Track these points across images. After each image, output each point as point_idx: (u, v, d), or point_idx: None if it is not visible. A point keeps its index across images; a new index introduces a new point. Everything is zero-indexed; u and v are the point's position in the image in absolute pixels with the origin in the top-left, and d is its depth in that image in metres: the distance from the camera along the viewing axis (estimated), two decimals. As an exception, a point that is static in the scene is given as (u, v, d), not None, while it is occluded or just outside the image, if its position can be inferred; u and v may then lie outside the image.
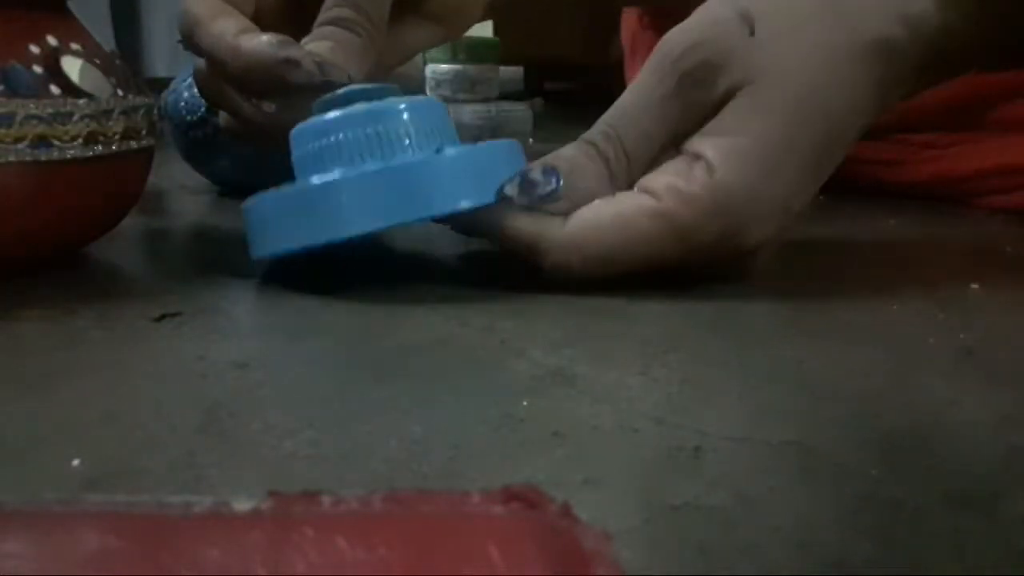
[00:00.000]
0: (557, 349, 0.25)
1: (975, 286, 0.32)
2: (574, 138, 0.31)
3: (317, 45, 0.32)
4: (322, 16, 0.34)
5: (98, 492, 0.17)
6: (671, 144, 0.31)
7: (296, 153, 0.31)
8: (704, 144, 0.29)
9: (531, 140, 0.75)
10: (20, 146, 0.29)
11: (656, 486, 0.18)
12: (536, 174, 0.30)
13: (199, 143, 0.52)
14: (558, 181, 0.30)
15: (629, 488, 0.18)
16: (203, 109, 0.51)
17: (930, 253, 0.40)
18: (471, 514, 0.14)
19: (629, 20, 0.69)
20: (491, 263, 0.35)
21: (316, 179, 0.29)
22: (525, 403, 0.22)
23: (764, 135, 0.29)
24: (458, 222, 0.32)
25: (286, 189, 0.30)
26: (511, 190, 0.30)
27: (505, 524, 0.14)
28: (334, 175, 0.29)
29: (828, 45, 0.29)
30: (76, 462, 0.18)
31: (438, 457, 0.19)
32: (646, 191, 0.29)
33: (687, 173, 0.29)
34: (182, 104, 0.52)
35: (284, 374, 0.24)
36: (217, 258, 0.37)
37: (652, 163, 0.31)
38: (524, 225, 0.30)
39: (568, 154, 0.31)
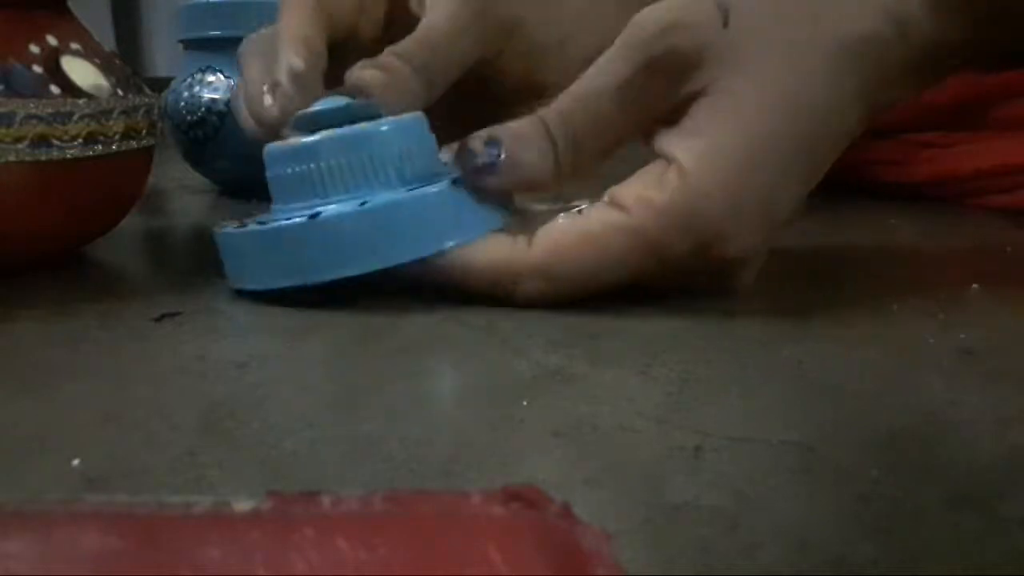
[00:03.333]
0: (557, 349, 0.25)
1: (975, 286, 0.32)
2: None
3: (367, 73, 0.31)
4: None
5: (98, 492, 0.17)
6: (632, 134, 0.29)
7: (271, 173, 0.30)
8: (675, 145, 0.27)
9: None
10: (20, 146, 0.29)
11: (656, 486, 0.18)
12: (476, 143, 0.28)
13: (199, 143, 0.52)
14: (498, 154, 0.28)
15: (629, 488, 0.18)
16: (203, 109, 0.51)
17: (930, 253, 0.40)
18: (471, 514, 0.14)
19: None
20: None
21: (296, 216, 0.28)
22: (525, 403, 0.22)
23: (742, 133, 0.27)
24: (410, 272, 0.29)
25: (264, 227, 0.29)
26: (447, 158, 0.29)
27: (505, 524, 0.14)
28: (311, 210, 0.28)
29: (808, 41, 0.27)
30: (76, 462, 0.18)
31: (438, 457, 0.19)
32: (615, 204, 0.27)
33: (658, 181, 0.27)
34: (182, 104, 0.52)
35: (284, 374, 0.24)
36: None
37: (609, 151, 0.29)
38: (487, 259, 0.28)
39: (515, 126, 0.29)
